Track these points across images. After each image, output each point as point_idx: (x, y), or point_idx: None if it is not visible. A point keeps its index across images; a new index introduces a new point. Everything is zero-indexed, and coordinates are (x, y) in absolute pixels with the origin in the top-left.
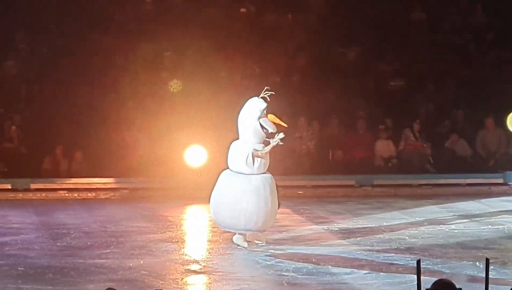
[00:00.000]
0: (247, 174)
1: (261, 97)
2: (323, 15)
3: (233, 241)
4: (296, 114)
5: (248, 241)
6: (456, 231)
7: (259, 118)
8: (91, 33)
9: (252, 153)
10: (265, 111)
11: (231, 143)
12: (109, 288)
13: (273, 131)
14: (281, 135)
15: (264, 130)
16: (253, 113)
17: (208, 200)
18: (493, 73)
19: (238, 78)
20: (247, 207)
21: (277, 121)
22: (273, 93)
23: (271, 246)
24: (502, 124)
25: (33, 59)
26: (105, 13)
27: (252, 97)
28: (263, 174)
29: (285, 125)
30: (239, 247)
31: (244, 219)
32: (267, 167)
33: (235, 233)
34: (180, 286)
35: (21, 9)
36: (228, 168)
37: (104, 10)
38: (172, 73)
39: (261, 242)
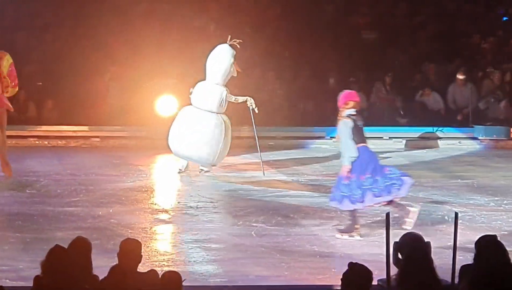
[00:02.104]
0: (214, 113)
1: (230, 44)
2: None
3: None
4: (268, 66)
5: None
6: (425, 184)
7: (232, 63)
8: None
9: (227, 95)
10: (234, 58)
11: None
12: (78, 236)
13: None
14: (252, 101)
15: (233, 75)
16: (225, 57)
17: None
18: (465, 27)
19: (212, 28)
20: (211, 140)
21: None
22: (241, 41)
23: (240, 198)
24: (473, 79)
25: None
26: None
27: (221, 43)
28: (224, 114)
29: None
30: (207, 197)
31: (207, 151)
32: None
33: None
34: (149, 235)
35: None
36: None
37: None
38: (145, 21)
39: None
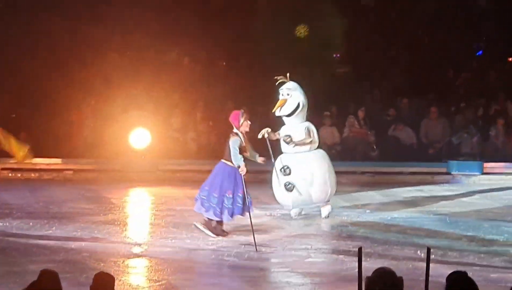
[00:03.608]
0: None
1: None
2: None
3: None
4: (241, 100)
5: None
6: (398, 219)
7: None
8: (39, 13)
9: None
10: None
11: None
12: (44, 270)
13: None
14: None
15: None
16: None
17: (149, 183)
18: (439, 62)
19: (186, 61)
20: None
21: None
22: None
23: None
24: (446, 114)
25: None
26: None
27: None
28: None
29: None
30: (180, 230)
31: None
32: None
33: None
34: (121, 269)
35: None
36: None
37: None
38: (119, 54)
39: None
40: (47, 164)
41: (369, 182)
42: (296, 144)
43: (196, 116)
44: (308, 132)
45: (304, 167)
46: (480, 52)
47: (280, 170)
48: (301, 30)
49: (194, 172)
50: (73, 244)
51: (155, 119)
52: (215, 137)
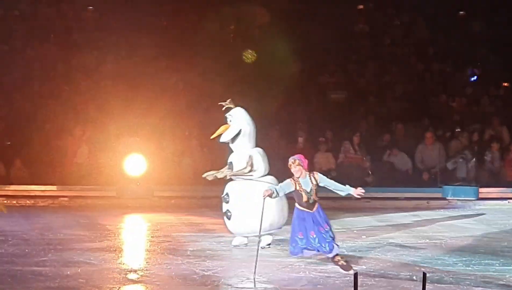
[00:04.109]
0: None
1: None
2: (266, 26)
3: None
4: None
5: None
6: (393, 244)
7: None
8: (33, 41)
9: None
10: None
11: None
12: None
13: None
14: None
15: None
16: None
17: (146, 209)
18: (434, 87)
19: (180, 87)
20: None
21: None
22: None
23: (208, 257)
24: (441, 139)
25: None
26: (47, 21)
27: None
28: None
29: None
30: (176, 257)
31: None
32: None
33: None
34: None
35: None
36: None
37: (46, 18)
38: (113, 81)
39: None
40: (42, 191)
41: (364, 207)
42: (232, 175)
43: (192, 142)
44: (250, 160)
45: (242, 195)
46: (475, 77)
47: (222, 197)
48: (248, 56)
49: (190, 198)
50: (69, 271)
51: (150, 145)
52: (211, 163)
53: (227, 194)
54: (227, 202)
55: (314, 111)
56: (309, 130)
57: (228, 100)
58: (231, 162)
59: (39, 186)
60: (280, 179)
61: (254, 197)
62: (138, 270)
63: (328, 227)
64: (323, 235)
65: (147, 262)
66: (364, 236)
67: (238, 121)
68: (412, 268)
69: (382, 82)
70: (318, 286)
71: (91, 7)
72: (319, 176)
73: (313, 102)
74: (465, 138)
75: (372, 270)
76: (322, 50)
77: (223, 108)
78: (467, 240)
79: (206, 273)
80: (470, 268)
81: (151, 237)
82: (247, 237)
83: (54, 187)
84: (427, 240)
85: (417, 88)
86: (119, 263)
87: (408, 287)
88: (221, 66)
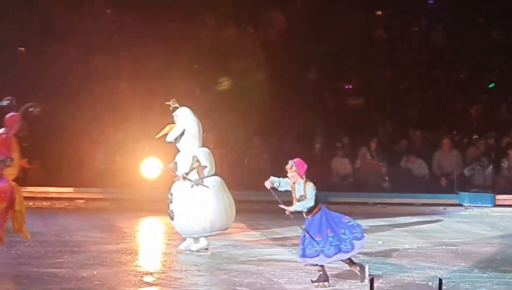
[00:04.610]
0: None
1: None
2: (283, 32)
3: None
4: (253, 130)
5: None
6: (409, 250)
7: None
8: (51, 43)
9: None
10: None
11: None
12: None
13: None
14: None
15: None
16: None
17: (163, 212)
18: (451, 94)
19: (198, 92)
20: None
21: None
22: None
23: (225, 261)
24: (459, 146)
25: None
26: (66, 24)
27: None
28: None
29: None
30: (192, 260)
31: None
32: None
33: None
34: None
35: None
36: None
37: (65, 20)
38: (130, 84)
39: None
40: (59, 193)
41: (381, 213)
42: (180, 178)
43: (208, 145)
44: (195, 160)
45: (181, 196)
46: (492, 84)
47: (168, 197)
48: (224, 83)
49: None
50: (84, 273)
51: (167, 149)
52: (228, 166)
53: (171, 194)
54: (171, 202)
55: (331, 117)
56: (325, 135)
57: (173, 99)
58: (176, 162)
59: (56, 188)
60: None
61: (194, 197)
62: (154, 273)
63: (332, 233)
64: (329, 238)
65: (162, 265)
66: (381, 242)
67: (183, 121)
68: (428, 274)
69: (400, 89)
70: None
71: (109, 11)
72: (308, 187)
73: (331, 108)
74: (482, 144)
75: (388, 275)
76: (340, 56)
77: (170, 108)
78: (483, 246)
79: (222, 277)
80: (486, 274)
81: (167, 240)
82: (196, 237)
83: (71, 189)
84: (443, 246)
85: (434, 95)
86: (135, 265)
87: None
88: (238, 72)
